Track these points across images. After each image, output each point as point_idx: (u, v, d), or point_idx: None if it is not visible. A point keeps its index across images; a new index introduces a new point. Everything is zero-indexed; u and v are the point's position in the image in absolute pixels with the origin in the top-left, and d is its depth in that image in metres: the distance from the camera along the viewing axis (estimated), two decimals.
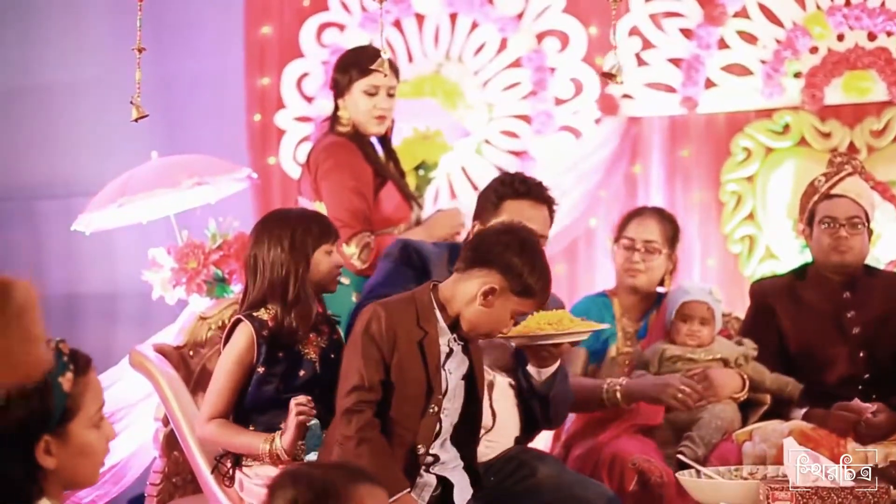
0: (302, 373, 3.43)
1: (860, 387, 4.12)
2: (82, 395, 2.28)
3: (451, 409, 3.22)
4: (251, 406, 3.42)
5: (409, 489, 3.10)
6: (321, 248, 3.45)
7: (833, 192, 4.21)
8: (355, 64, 4.51)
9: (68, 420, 2.25)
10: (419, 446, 3.17)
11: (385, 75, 4.17)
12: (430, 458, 3.21)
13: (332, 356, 3.45)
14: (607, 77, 2.81)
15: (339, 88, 4.55)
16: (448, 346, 3.19)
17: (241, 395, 3.42)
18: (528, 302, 3.18)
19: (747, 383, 4.09)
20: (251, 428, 3.41)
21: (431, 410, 3.16)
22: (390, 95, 4.52)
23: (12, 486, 2.21)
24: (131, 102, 2.88)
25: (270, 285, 3.43)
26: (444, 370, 3.19)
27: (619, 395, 4.01)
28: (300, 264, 3.42)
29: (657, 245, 4.35)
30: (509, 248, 3.15)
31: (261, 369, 3.39)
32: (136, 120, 2.88)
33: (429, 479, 3.22)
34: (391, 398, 3.14)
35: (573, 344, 3.54)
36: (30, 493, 2.22)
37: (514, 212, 3.76)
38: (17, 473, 2.21)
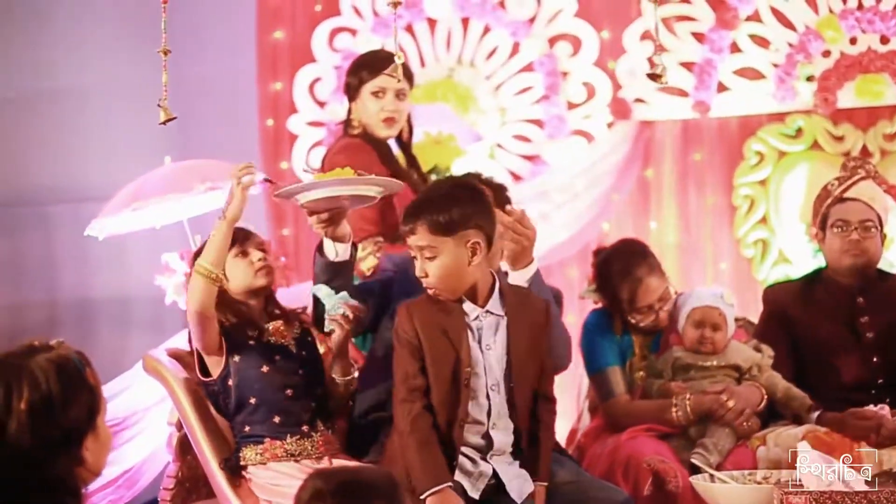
0: (277, 357, 3.52)
1: (873, 391, 4.11)
2: (98, 388, 2.30)
3: (500, 387, 3.24)
4: (242, 401, 3.51)
5: (449, 483, 3.14)
6: (230, 253, 3.53)
7: (846, 195, 4.20)
8: (364, 66, 4.53)
9: (97, 413, 2.27)
10: (461, 422, 3.20)
11: (399, 80, 4.18)
12: (483, 441, 3.22)
13: (309, 339, 3.60)
14: (653, 78, 2.84)
15: (350, 91, 4.57)
16: (479, 320, 3.25)
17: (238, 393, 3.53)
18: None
19: (765, 396, 4.08)
20: (247, 429, 3.50)
21: (465, 383, 3.19)
22: (399, 98, 4.51)
23: (68, 487, 2.22)
24: (158, 105, 2.88)
25: None
26: (482, 346, 3.23)
27: (689, 407, 4.03)
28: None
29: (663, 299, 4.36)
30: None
31: (236, 357, 3.51)
32: (163, 123, 2.89)
33: (485, 469, 3.23)
34: (430, 382, 3.22)
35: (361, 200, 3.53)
36: (80, 493, 2.23)
37: None
38: (70, 472, 2.22)
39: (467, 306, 3.25)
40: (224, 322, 3.53)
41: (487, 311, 3.25)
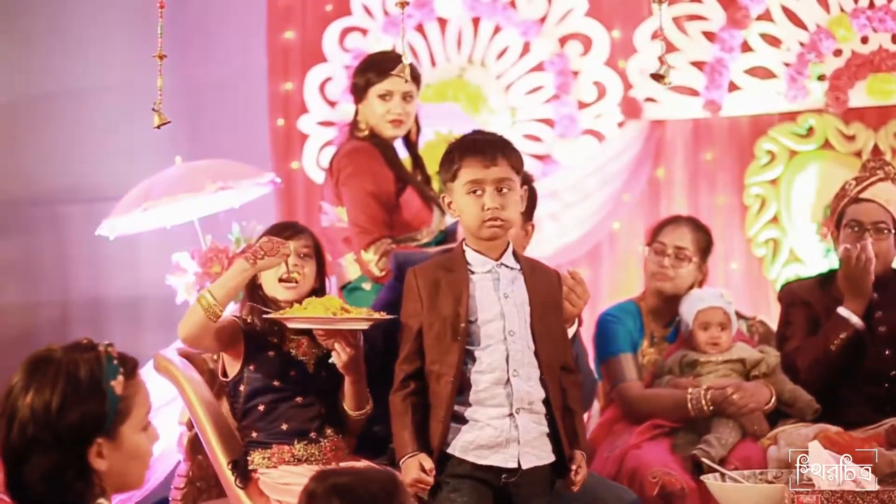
0: (293, 373, 3.51)
1: (886, 384, 4.14)
2: (132, 398, 2.31)
3: (517, 334, 3.20)
4: (250, 407, 3.51)
5: (412, 453, 3.15)
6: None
7: (862, 196, 4.23)
8: (371, 68, 4.53)
9: (120, 423, 2.29)
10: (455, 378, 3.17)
11: (406, 81, 4.15)
12: (503, 390, 3.17)
13: (331, 362, 3.47)
14: (656, 79, 2.86)
15: (357, 92, 4.57)
16: (494, 272, 3.25)
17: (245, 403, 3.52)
18: (466, 169, 3.23)
19: (774, 395, 4.10)
20: (254, 435, 3.51)
21: (460, 336, 3.17)
22: (406, 100, 4.51)
23: (65, 488, 2.24)
24: (153, 109, 2.90)
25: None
26: (499, 294, 3.21)
27: (703, 402, 4.06)
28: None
29: (688, 253, 4.41)
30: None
31: (252, 366, 3.50)
32: (157, 127, 2.91)
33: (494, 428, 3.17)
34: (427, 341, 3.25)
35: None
36: (83, 494, 2.24)
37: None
38: (69, 475, 2.24)
39: (474, 257, 3.25)
40: (244, 326, 3.52)
41: (502, 264, 3.26)
